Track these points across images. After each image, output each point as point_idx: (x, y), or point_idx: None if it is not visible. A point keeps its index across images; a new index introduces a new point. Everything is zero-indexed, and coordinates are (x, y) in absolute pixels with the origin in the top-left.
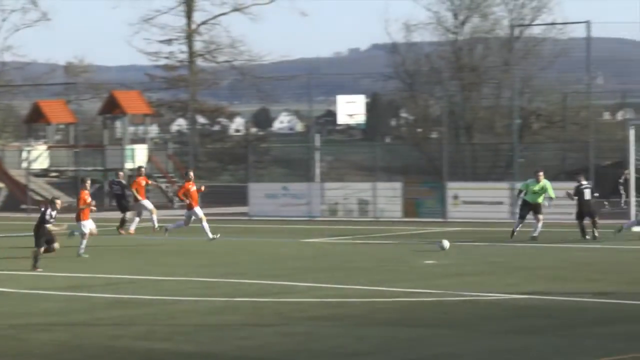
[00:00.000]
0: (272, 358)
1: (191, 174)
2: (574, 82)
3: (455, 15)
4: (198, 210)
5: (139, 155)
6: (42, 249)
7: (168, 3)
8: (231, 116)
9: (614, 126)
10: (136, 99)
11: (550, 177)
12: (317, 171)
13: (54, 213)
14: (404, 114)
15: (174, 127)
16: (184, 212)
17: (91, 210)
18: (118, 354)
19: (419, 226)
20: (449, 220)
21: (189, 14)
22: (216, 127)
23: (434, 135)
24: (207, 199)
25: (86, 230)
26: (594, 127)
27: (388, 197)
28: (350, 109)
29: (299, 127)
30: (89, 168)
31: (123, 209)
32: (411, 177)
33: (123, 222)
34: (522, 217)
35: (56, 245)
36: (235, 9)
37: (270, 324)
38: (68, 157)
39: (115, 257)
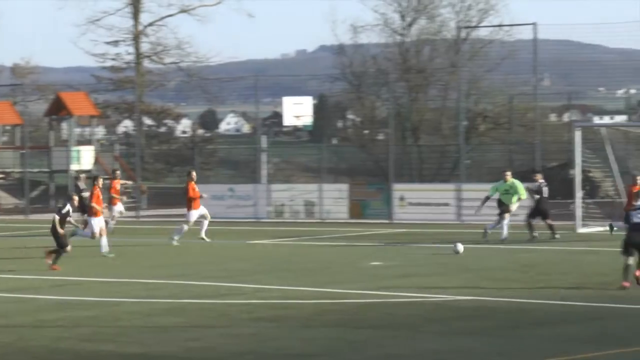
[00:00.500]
0: (218, 359)
1: (193, 173)
2: (520, 83)
3: (402, 17)
4: (194, 213)
5: (85, 157)
6: (69, 247)
7: (115, 4)
8: (178, 118)
9: (560, 128)
10: (82, 100)
11: (497, 179)
12: (264, 172)
13: (71, 209)
14: (350, 116)
15: (121, 129)
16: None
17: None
18: (63, 356)
19: (365, 228)
20: (395, 221)
21: (135, 16)
22: (163, 129)
23: (381, 136)
24: (154, 201)
25: (96, 230)
26: (541, 129)
27: (334, 198)
28: (297, 111)
29: (246, 128)
30: (35, 170)
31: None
32: (357, 179)
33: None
34: (500, 216)
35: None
36: (183, 11)
37: (216, 325)
38: (14, 159)
39: (63, 260)
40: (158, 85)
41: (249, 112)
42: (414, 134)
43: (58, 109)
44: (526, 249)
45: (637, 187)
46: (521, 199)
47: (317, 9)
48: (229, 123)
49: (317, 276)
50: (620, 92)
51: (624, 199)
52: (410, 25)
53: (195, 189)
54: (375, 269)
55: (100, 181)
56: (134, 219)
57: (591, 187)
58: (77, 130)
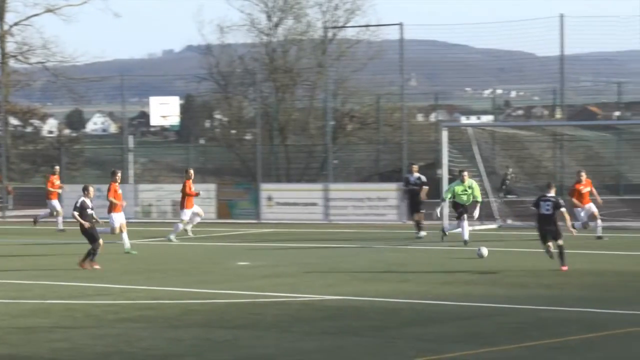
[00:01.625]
0: None
1: (191, 171)
2: (387, 83)
3: (269, 17)
4: (188, 212)
5: None
6: (101, 241)
7: None
8: (44, 118)
9: (427, 128)
10: None
11: (364, 179)
12: (131, 173)
13: (87, 201)
14: (218, 116)
15: None
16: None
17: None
18: None
19: (233, 227)
20: (263, 221)
21: (1, 15)
22: (29, 129)
23: (248, 136)
24: (20, 201)
25: (116, 225)
26: (408, 129)
27: (202, 198)
28: (164, 111)
29: (113, 128)
30: None
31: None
32: (225, 179)
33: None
34: (459, 218)
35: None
36: (48, 10)
37: (82, 326)
38: None
39: None
40: (24, 85)
41: (116, 112)
42: (281, 134)
43: None
44: (394, 249)
45: (582, 184)
46: (478, 202)
47: (185, 9)
48: (95, 123)
49: (185, 276)
50: (486, 92)
51: (492, 199)
52: (276, 25)
53: (191, 187)
54: (243, 269)
55: (119, 176)
56: (0, 220)
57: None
58: None
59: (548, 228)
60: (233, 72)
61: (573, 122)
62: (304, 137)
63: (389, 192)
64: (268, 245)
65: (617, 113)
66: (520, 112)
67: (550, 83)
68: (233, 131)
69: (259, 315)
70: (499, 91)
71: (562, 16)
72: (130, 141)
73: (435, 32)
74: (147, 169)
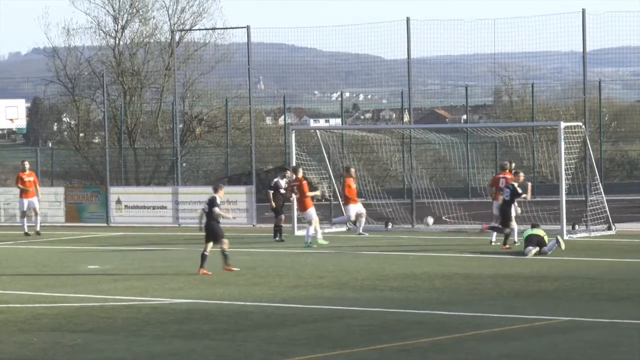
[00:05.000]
0: None
1: (352, 170)
2: (235, 87)
3: (115, 20)
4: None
5: None
6: (226, 241)
7: None
8: None
9: (276, 131)
10: None
11: (214, 182)
12: None
13: (216, 199)
14: (65, 119)
15: None
16: None
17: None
18: None
19: (82, 231)
20: (113, 224)
21: None
22: None
23: (97, 140)
24: None
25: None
26: (256, 132)
27: (50, 202)
28: (11, 114)
29: None
30: None
31: None
32: (74, 182)
33: None
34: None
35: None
36: None
37: None
38: None
39: None
40: None
41: None
42: (129, 137)
43: None
44: (244, 252)
45: (508, 173)
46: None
47: (30, 11)
48: None
49: (33, 280)
50: (335, 95)
51: (342, 201)
52: (123, 28)
53: (351, 185)
54: (92, 272)
55: (301, 172)
56: None
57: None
58: None
59: None
60: (80, 75)
61: (421, 125)
62: (152, 140)
63: (239, 195)
64: (117, 249)
65: (464, 116)
66: (368, 115)
67: (397, 86)
68: (81, 134)
69: (109, 319)
70: (347, 94)
71: (408, 20)
72: None
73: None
74: None
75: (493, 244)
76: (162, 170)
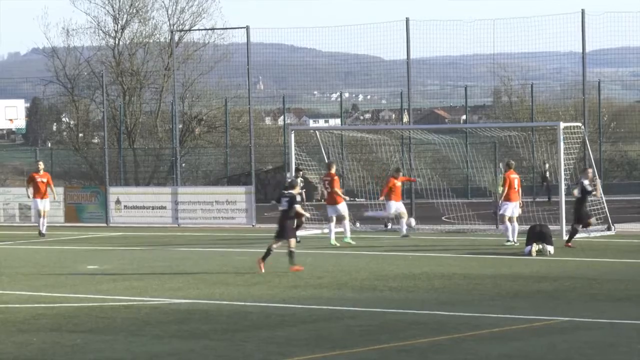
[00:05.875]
0: None
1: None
2: (235, 87)
3: (115, 20)
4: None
5: None
6: (295, 240)
7: None
8: None
9: (275, 131)
10: None
11: (213, 182)
12: None
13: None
14: (65, 119)
15: None
16: None
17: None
18: None
19: (82, 231)
20: (112, 225)
21: None
22: None
23: (96, 140)
24: None
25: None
26: (255, 132)
27: (50, 201)
28: (10, 114)
29: None
30: None
31: None
32: (73, 182)
33: None
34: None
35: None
36: None
37: None
38: None
39: None
40: None
41: None
42: (129, 137)
43: None
44: (243, 252)
45: (512, 172)
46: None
47: (30, 11)
48: None
49: (33, 280)
50: (334, 95)
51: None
52: (123, 28)
53: (396, 184)
54: (92, 272)
55: (334, 167)
56: None
57: (307, 190)
58: None
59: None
60: (79, 75)
61: (420, 126)
62: (151, 141)
63: (238, 196)
64: (117, 249)
65: (463, 116)
66: (368, 115)
67: (397, 86)
68: (80, 134)
69: (108, 319)
70: (347, 94)
71: (407, 20)
72: None
73: (282, 35)
74: None
75: (515, 243)
76: (162, 171)
